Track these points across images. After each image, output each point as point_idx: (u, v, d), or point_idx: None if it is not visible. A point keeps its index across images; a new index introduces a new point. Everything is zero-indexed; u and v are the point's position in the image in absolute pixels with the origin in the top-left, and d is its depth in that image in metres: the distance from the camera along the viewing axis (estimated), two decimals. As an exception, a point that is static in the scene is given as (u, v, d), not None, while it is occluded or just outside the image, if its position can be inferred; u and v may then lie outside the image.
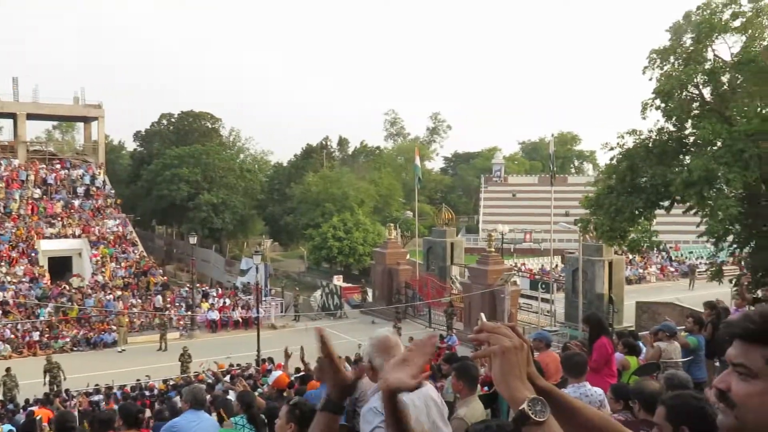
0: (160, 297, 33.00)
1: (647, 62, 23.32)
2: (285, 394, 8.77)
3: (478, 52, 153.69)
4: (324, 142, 62.27)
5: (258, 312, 28.37)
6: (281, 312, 35.05)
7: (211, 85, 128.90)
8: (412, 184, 47.86)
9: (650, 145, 23.19)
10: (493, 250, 29.42)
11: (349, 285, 40.00)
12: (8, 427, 12.80)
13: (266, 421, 6.70)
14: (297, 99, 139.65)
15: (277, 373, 9.44)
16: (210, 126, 60.58)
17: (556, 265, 36.31)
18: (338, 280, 39.34)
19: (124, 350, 28.35)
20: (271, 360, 21.28)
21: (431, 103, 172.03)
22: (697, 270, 41.13)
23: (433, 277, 32.94)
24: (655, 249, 30.24)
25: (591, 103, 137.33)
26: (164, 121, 59.41)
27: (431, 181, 73.52)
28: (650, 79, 23.17)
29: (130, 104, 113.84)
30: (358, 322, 33.27)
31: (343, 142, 63.73)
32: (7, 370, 21.61)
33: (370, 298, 36.74)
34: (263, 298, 32.47)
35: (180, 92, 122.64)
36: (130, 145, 65.11)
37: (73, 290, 32.11)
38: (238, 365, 21.34)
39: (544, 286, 30.28)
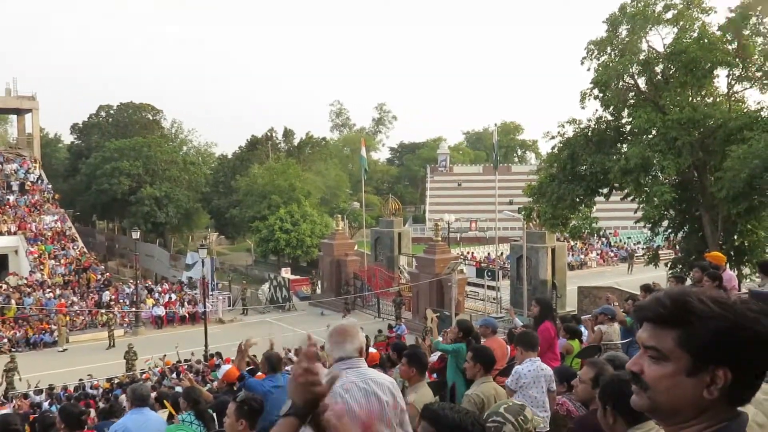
0: (107, 293, 32.14)
1: (585, 53, 23.99)
2: (235, 387, 8.72)
3: (422, 43, 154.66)
4: (269, 134, 61.58)
5: (205, 306, 27.98)
6: (229, 306, 34.66)
7: (150, 76, 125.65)
8: (358, 175, 47.86)
9: (589, 133, 23.91)
10: (439, 239, 29.76)
11: (298, 277, 39.87)
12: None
13: (215, 416, 6.67)
14: (241, 90, 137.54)
15: (227, 367, 9.36)
16: (151, 118, 59.15)
17: (502, 253, 37.00)
18: (286, 273, 39.16)
19: (65, 350, 27.53)
20: (219, 354, 21.08)
21: (376, 93, 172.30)
22: (635, 255, 42.63)
23: (381, 268, 33.11)
24: (596, 235, 31.19)
25: (533, 94, 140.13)
26: (103, 113, 57.68)
27: (378, 172, 73.74)
28: (588, 70, 23.86)
29: (66, 96, 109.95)
30: (307, 314, 33.20)
31: (288, 134, 63.09)
32: None
33: (318, 290, 36.69)
34: (210, 293, 32.03)
35: (118, 83, 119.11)
36: (67, 138, 62.96)
37: (11, 289, 30.96)
38: (186, 360, 21.03)
39: (490, 273, 30.83)
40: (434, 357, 8.65)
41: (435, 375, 8.09)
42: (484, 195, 58.90)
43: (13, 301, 29.69)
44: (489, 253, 43.21)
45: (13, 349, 27.48)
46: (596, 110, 24.07)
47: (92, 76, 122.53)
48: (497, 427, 3.16)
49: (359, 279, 33.57)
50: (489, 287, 29.92)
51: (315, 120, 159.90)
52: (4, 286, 31.29)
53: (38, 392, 18.78)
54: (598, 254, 46.22)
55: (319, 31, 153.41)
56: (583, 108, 24.01)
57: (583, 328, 9.43)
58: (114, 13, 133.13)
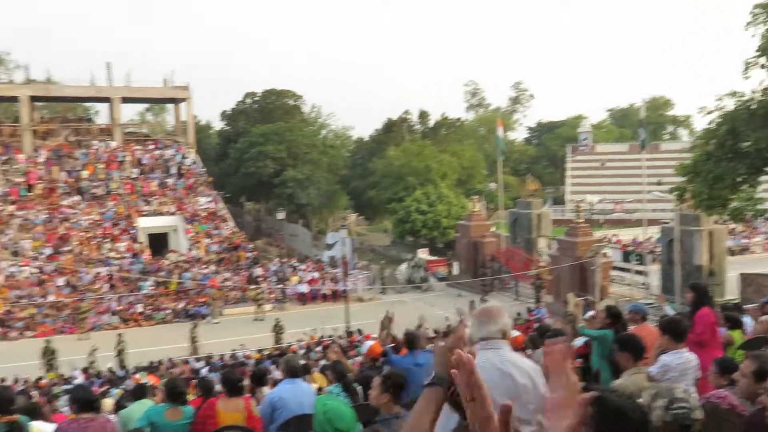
0: (259, 269, 34.17)
1: (750, 18, 21.73)
2: (378, 363, 8.88)
3: (561, 17, 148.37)
4: (404, 116, 62.08)
5: (345, 285, 28.85)
6: (368, 285, 35.55)
7: (291, 63, 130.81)
8: (494, 156, 47.02)
9: (754, 106, 21.69)
10: (581, 221, 28.59)
11: (434, 258, 40.04)
12: (117, 390, 13.67)
13: (360, 389, 6.82)
14: (377, 74, 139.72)
15: (370, 343, 9.57)
16: (292, 103, 61.55)
17: (650, 236, 34.84)
18: (423, 253, 39.46)
19: (219, 322, 29.57)
20: (359, 331, 21.69)
21: (512, 72, 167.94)
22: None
23: (519, 250, 32.42)
24: (761, 218, 28.46)
25: (685, 66, 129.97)
26: (248, 100, 60.79)
27: (515, 152, 72.02)
28: (753, 36, 21.60)
29: (216, 85, 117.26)
30: (444, 294, 33.30)
31: (423, 116, 63.24)
32: (119, 335, 23.12)
33: (455, 271, 36.65)
34: (350, 272, 32.99)
35: (262, 71, 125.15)
36: (218, 125, 67.19)
37: (172, 265, 33.73)
38: (329, 336, 21.84)
39: (637, 257, 29.20)
40: (579, 342, 8.29)
41: (579, 360, 7.78)
42: (629, 175, 55.93)
43: (174, 276, 32.35)
44: (636, 236, 40.88)
45: (175, 320, 30.05)
46: (762, 80, 21.79)
47: (239, 65, 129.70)
48: (684, 414, 2.90)
49: (496, 261, 33.10)
50: (636, 272, 28.35)
51: (450, 101, 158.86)
52: (166, 262, 34.15)
53: (198, 360, 20.32)
54: (764, 238, 42.18)
55: (452, 11, 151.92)
56: (746, 78, 21.81)
57: (746, 319, 8.60)
58: (252, 6, 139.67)
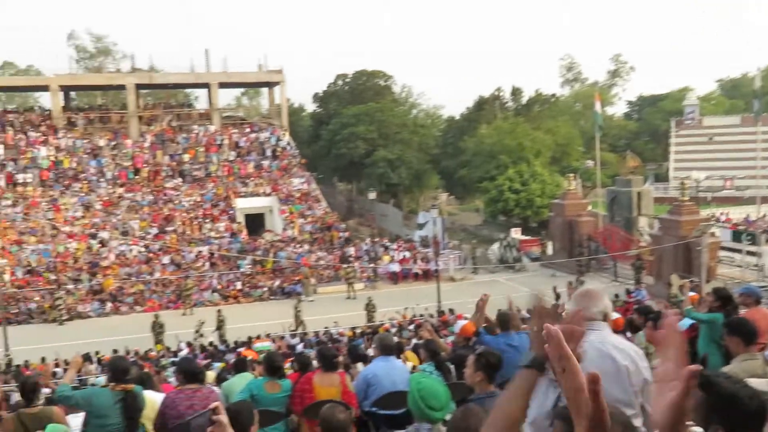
0: (352, 249, 34.73)
1: None
2: (470, 343, 8.75)
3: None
4: (496, 93, 60.85)
5: (437, 264, 28.75)
6: (459, 265, 35.29)
7: (380, 44, 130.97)
8: (591, 132, 45.26)
9: None
10: (686, 199, 27.04)
11: (527, 238, 39.21)
12: (219, 364, 14.23)
13: (452, 368, 6.73)
14: (467, 50, 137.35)
15: (462, 322, 9.42)
16: (383, 84, 61.65)
17: (765, 215, 32.54)
18: (516, 233, 38.72)
19: (313, 300, 30.25)
20: (451, 311, 21.56)
21: (611, 44, 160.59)
22: None
23: (617, 229, 31.15)
24: None
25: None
26: (339, 82, 61.43)
27: (613, 128, 69.01)
28: None
29: (308, 67, 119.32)
30: (538, 275, 32.56)
31: (516, 92, 61.70)
32: (219, 311, 24.16)
33: (549, 251, 35.73)
34: (441, 251, 32.85)
35: (353, 53, 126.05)
36: (310, 107, 68.35)
37: (268, 244, 34.79)
38: (421, 315, 21.86)
39: (749, 237, 27.37)
40: (685, 324, 7.80)
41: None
42: (741, 149, 52.43)
43: (270, 255, 33.35)
44: (748, 215, 38.33)
45: (271, 297, 31.02)
46: None
47: (330, 47, 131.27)
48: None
49: (593, 241, 31.97)
50: (748, 252, 26.58)
51: (544, 77, 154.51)
52: (262, 242, 35.26)
53: (293, 336, 20.88)
54: None
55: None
56: None
57: None
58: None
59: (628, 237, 30.34)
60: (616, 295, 20.81)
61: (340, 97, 59.48)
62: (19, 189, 37.88)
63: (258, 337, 19.72)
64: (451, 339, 11.71)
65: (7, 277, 29.61)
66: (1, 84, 49.92)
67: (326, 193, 48.90)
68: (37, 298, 29.09)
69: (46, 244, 32.71)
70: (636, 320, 8.63)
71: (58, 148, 41.27)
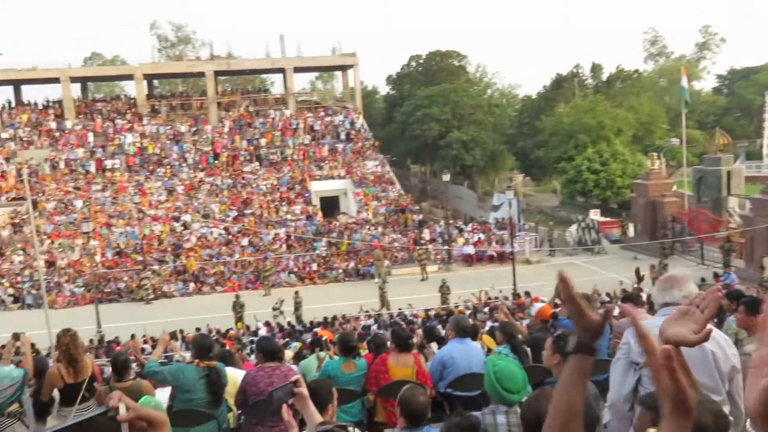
0: (426, 231, 34.68)
1: None
2: (547, 325, 8.55)
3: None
4: (575, 71, 58.98)
5: (512, 246, 28.27)
6: (536, 247, 34.60)
7: (454, 23, 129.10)
8: (677, 109, 43.21)
9: None
10: (781, 177, 25.44)
11: (607, 219, 38.04)
12: (296, 343, 14.51)
13: (529, 351, 6.61)
14: (544, 26, 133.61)
15: (539, 305, 9.21)
16: (457, 64, 60.92)
17: None
18: (595, 215, 37.59)
19: (385, 282, 30.39)
20: (527, 294, 21.16)
21: (699, 16, 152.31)
22: None
23: (705, 210, 29.69)
24: None
25: None
26: (413, 63, 61.10)
27: (701, 104, 65.62)
28: None
29: (382, 50, 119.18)
30: (618, 257, 31.52)
31: (596, 69, 59.62)
32: (296, 293, 24.66)
33: (630, 233, 34.49)
34: (517, 233, 32.28)
35: (427, 33, 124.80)
36: (383, 89, 68.34)
37: (343, 226, 35.18)
38: (495, 298, 21.57)
39: None
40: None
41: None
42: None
43: (344, 237, 33.73)
44: None
45: (346, 279, 31.40)
46: None
47: (404, 28, 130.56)
48: None
49: (678, 222, 30.61)
50: None
51: (626, 52, 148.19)
52: (337, 224, 35.67)
53: (367, 317, 21.04)
54: None
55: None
56: None
57: None
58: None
59: (716, 218, 28.87)
60: (703, 279, 19.85)
61: (413, 78, 59.19)
62: (108, 174, 39.79)
63: (334, 317, 19.99)
64: (527, 322, 11.51)
65: (98, 258, 31.21)
66: (90, 74, 52.33)
67: (400, 175, 48.92)
68: (125, 278, 30.58)
69: (133, 227, 34.25)
70: (726, 305, 8.18)
71: (142, 135, 43.03)
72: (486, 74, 66.72)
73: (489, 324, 13.54)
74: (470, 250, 33.19)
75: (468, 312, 18.31)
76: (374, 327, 17.91)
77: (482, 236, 34.69)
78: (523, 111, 60.47)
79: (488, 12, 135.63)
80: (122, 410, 1.29)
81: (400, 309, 22.21)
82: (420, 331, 13.19)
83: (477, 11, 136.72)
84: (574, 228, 36.06)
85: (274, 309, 23.10)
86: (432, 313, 20.84)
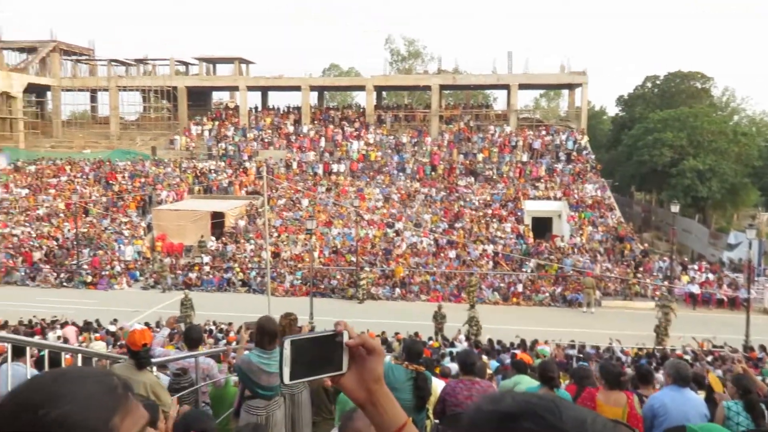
0: (646, 263, 32.11)
1: None
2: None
3: None
4: None
5: (748, 292, 24.95)
6: (779, 295, 30.24)
7: (700, 42, 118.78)
8: None
9: None
10: None
11: None
12: (495, 363, 14.04)
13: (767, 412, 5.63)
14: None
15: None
16: (699, 86, 55.89)
17: None
18: None
19: (593, 312, 28.56)
20: (762, 348, 18.52)
21: None
22: None
23: None
24: None
25: None
26: (648, 84, 57.34)
27: None
28: None
29: (614, 69, 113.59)
30: None
31: None
32: (472, 306, 24.09)
33: None
34: (755, 278, 28.49)
35: (666, 52, 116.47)
36: (612, 110, 64.99)
37: (554, 249, 33.83)
38: (721, 347, 19.15)
39: None
40: None
41: None
42: None
43: (554, 261, 32.37)
44: None
45: (551, 303, 30.10)
46: None
47: (640, 46, 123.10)
48: None
49: None
50: None
51: None
52: (548, 246, 34.37)
53: (571, 346, 19.85)
54: None
55: None
56: None
57: None
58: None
59: None
60: None
61: (647, 100, 55.53)
62: (333, 178, 42.64)
63: (534, 342, 19.16)
64: (759, 378, 9.92)
65: (316, 254, 33.44)
66: (327, 84, 56.76)
67: (621, 201, 46.03)
68: (338, 276, 32.37)
69: (350, 229, 36.19)
70: None
71: (367, 143, 45.48)
72: (734, 99, 60.35)
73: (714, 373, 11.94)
74: (695, 289, 29.98)
75: (687, 357, 16.44)
76: (576, 358, 16.83)
77: (711, 276, 31.17)
78: (778, 140, 53.59)
79: (738, 33, 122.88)
80: (346, 337, 1.43)
81: (609, 342, 20.64)
82: (629, 370, 12.05)
83: (724, 31, 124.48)
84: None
85: (468, 324, 22.87)
86: (644, 351, 19.10)
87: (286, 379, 1.40)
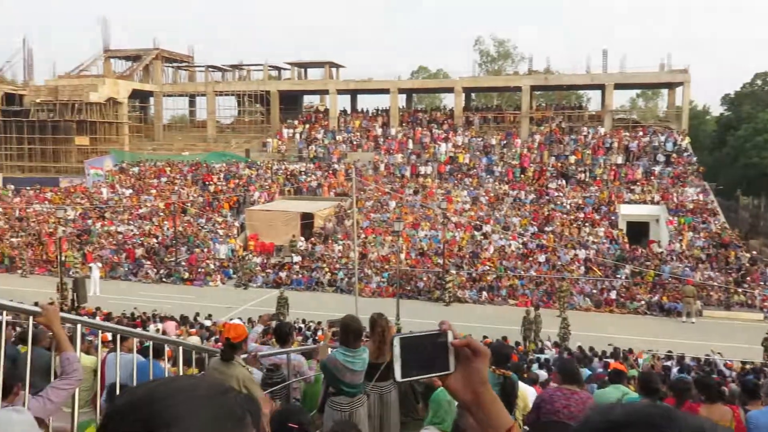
0: (755, 271, 30.20)
1: None
2: None
3: None
4: None
5: None
6: None
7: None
8: None
9: None
10: None
11: None
12: (587, 372, 13.58)
13: None
14: None
15: None
16: (819, 82, 52.14)
17: None
18: None
19: (694, 322, 27.10)
20: None
21: None
22: None
23: None
24: None
25: None
26: (758, 81, 53.96)
27: None
28: None
29: (719, 66, 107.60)
30: None
31: None
32: (564, 319, 23.41)
33: None
34: None
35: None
36: (716, 110, 61.59)
37: (651, 255, 32.38)
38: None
39: None
40: None
41: None
42: None
43: (651, 267, 30.97)
44: None
45: (647, 312, 28.79)
46: None
47: (748, 41, 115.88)
48: None
49: None
50: None
51: None
52: (645, 252, 32.92)
53: (668, 358, 18.94)
54: None
55: None
56: None
57: None
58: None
59: None
60: None
61: (757, 98, 52.29)
62: (420, 179, 42.63)
63: (629, 351, 18.40)
64: None
65: (402, 256, 33.53)
66: (415, 86, 56.90)
67: (726, 206, 43.49)
68: (424, 278, 32.30)
69: (437, 231, 36.04)
70: None
71: (455, 145, 45.19)
72: None
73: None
74: (809, 301, 27.91)
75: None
76: (675, 370, 16.02)
77: (827, 288, 28.91)
78: None
79: None
80: (450, 337, 1.40)
81: (710, 354, 19.53)
82: (733, 386, 11.33)
83: None
84: None
85: (560, 331, 22.29)
86: (749, 366, 17.93)
87: (398, 377, 1.38)
